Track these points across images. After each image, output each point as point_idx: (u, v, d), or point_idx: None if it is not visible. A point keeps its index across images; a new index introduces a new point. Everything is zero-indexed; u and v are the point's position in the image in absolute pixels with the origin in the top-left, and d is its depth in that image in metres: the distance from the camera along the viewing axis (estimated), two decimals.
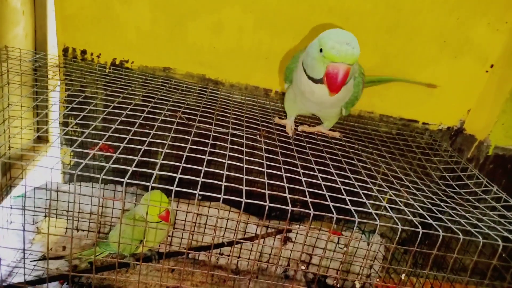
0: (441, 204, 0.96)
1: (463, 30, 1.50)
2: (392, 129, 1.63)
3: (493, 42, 1.52)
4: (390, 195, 0.96)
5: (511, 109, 1.48)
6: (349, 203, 0.82)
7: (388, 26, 1.49)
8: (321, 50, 0.96)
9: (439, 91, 1.61)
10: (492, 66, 1.56)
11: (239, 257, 1.63)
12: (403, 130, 1.63)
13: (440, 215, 0.88)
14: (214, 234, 0.95)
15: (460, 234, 0.80)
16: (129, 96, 1.25)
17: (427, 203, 0.95)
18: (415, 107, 1.66)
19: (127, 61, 1.56)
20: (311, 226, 1.65)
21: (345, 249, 1.65)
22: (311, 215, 0.74)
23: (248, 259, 1.63)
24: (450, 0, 1.45)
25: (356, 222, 0.76)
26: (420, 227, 0.79)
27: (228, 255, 1.58)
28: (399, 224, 0.79)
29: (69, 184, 1.69)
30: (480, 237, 0.79)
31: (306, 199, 0.79)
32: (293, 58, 1.20)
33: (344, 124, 1.51)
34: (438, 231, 0.79)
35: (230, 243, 1.41)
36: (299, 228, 1.59)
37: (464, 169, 1.29)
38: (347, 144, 1.26)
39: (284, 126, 1.30)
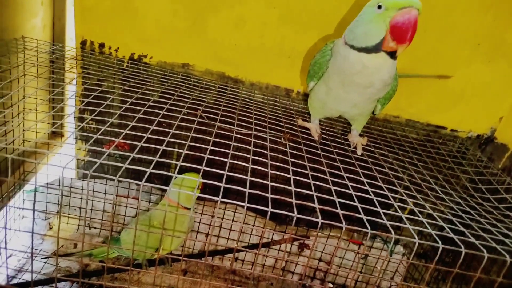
0: (480, 219, 0.89)
1: (499, 32, 1.42)
2: (420, 135, 1.55)
3: None
4: (411, 206, 0.88)
5: None
6: (383, 216, 0.75)
7: (420, 24, 1.40)
8: (379, 7, 0.88)
9: (470, 97, 1.52)
10: None
11: (253, 262, 1.57)
12: (431, 137, 1.55)
13: (473, 231, 0.80)
14: (236, 245, 0.89)
15: (485, 251, 0.72)
16: (147, 92, 1.20)
17: (455, 215, 0.88)
18: (443, 113, 1.57)
19: (145, 56, 1.52)
20: (330, 234, 1.58)
21: (364, 259, 1.58)
22: (343, 229, 0.67)
23: (263, 265, 1.57)
24: (486, 1, 1.36)
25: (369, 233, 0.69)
26: (440, 241, 0.71)
27: (243, 260, 1.53)
28: (416, 237, 0.72)
29: (83, 180, 1.66)
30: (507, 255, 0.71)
31: (337, 210, 0.73)
32: (322, 51, 1.10)
33: (371, 129, 1.43)
34: (460, 246, 0.71)
35: (250, 247, 1.35)
36: (317, 236, 1.52)
37: (499, 181, 1.20)
38: (376, 150, 1.19)
39: (308, 129, 1.23)
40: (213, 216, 1.53)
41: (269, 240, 1.51)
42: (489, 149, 1.60)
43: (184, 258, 0.75)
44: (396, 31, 0.87)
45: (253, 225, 1.55)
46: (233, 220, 1.53)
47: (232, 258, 0.88)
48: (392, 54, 0.93)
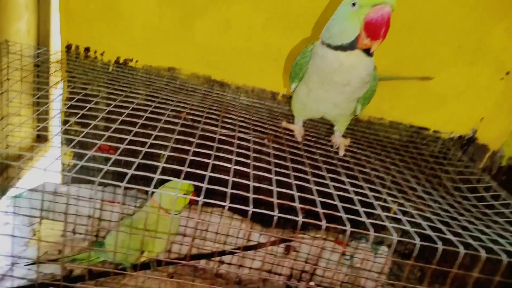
0: (458, 217, 0.91)
1: (480, 35, 1.45)
2: (403, 136, 1.57)
3: (510, 48, 1.46)
4: (396, 207, 0.90)
5: None
6: (362, 214, 0.76)
7: (402, 26, 1.43)
8: (353, 5, 0.89)
9: (452, 98, 1.56)
10: (507, 73, 1.50)
11: (240, 265, 1.57)
12: (414, 138, 1.57)
13: (455, 230, 0.82)
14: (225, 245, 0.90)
15: (462, 247, 0.73)
16: (131, 95, 1.20)
17: (437, 215, 0.89)
18: (426, 114, 1.60)
19: (131, 60, 1.52)
20: (316, 236, 1.60)
21: (350, 260, 1.60)
22: (322, 227, 0.69)
23: (250, 268, 1.57)
24: (468, 3, 1.39)
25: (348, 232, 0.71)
26: (418, 239, 0.73)
27: (229, 263, 1.53)
28: (395, 234, 0.73)
29: (68, 185, 1.64)
30: (504, 255, 0.74)
31: (317, 209, 0.74)
32: (303, 53, 1.11)
33: (355, 130, 1.45)
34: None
35: (233, 252, 1.36)
36: (303, 238, 1.53)
37: (479, 180, 1.23)
38: (359, 151, 1.21)
39: (292, 131, 1.24)
40: (199, 219, 1.53)
41: (256, 243, 1.51)
42: (471, 150, 1.63)
43: (167, 259, 0.75)
44: (369, 28, 0.88)
45: (239, 229, 1.55)
46: (219, 223, 1.54)
47: (215, 261, 0.88)
48: (368, 51, 0.94)
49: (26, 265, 1.36)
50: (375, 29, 0.87)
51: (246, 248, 1.48)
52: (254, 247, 1.46)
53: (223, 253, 1.41)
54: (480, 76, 1.52)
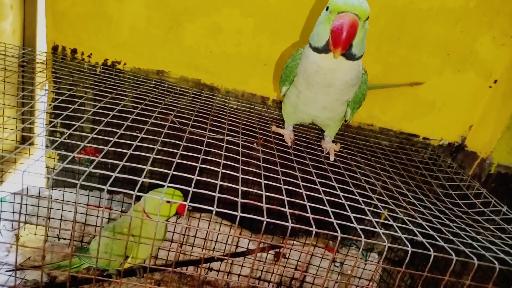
0: (449, 224, 0.90)
1: (467, 43, 1.46)
2: (392, 142, 1.57)
3: (498, 57, 1.47)
4: (386, 213, 0.88)
5: None
6: (353, 219, 0.75)
7: (391, 34, 1.44)
8: (327, 9, 0.90)
9: (441, 105, 1.56)
10: (495, 81, 1.51)
11: (229, 272, 1.55)
12: (404, 144, 1.57)
13: (450, 236, 0.81)
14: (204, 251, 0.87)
15: (453, 254, 0.72)
16: (118, 97, 1.17)
17: (428, 221, 0.88)
18: (415, 121, 1.61)
19: (119, 62, 1.49)
20: (306, 242, 1.58)
21: (339, 267, 1.58)
22: (313, 232, 0.67)
23: (239, 275, 1.55)
24: (455, 12, 1.41)
25: (339, 238, 0.69)
26: (409, 245, 0.71)
27: (218, 270, 1.50)
28: (386, 241, 0.72)
29: (52, 189, 1.60)
30: (496, 262, 0.73)
31: (307, 214, 0.72)
32: (293, 56, 1.11)
33: (345, 136, 1.45)
34: (430, 250, 0.71)
35: (221, 259, 1.33)
36: (293, 244, 1.51)
37: (469, 187, 1.23)
38: (348, 156, 1.20)
39: (282, 135, 1.23)
40: (187, 225, 1.51)
41: (245, 250, 1.49)
42: (460, 157, 1.63)
43: (152, 266, 0.72)
44: (332, 35, 0.88)
45: (228, 234, 1.53)
46: (208, 229, 1.51)
47: (201, 267, 0.85)
48: (349, 56, 0.94)
49: (7, 271, 1.31)
50: (335, 37, 0.87)
51: (235, 255, 1.45)
52: (243, 253, 1.44)
53: (211, 259, 1.38)
54: (469, 84, 1.53)
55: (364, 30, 0.92)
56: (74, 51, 1.47)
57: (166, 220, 1.14)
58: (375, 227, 0.78)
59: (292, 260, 1.56)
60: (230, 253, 1.45)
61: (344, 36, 0.85)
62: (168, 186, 0.73)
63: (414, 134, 1.62)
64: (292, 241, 1.52)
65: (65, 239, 1.57)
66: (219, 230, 1.50)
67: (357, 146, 1.36)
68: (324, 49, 0.94)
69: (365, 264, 1.53)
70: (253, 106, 1.49)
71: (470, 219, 0.97)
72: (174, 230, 1.50)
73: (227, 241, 1.56)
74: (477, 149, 1.57)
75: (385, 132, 1.61)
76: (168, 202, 1.09)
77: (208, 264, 1.50)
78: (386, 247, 0.68)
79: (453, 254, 0.71)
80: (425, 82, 1.51)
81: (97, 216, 1.52)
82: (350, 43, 0.88)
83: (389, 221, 0.82)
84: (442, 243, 0.74)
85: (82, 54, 1.47)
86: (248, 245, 1.53)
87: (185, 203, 0.67)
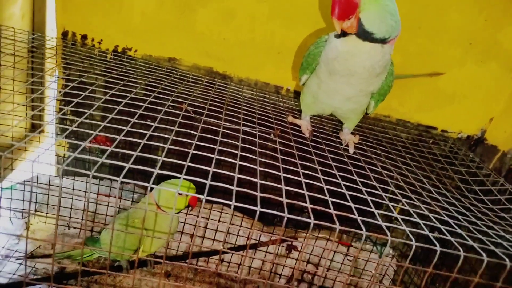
0: (475, 221, 0.85)
1: (491, 33, 1.40)
2: (411, 134, 1.52)
3: None
4: (411, 209, 0.84)
5: None
6: (378, 217, 0.71)
7: (412, 23, 1.38)
8: None
9: (461, 97, 1.51)
10: None
11: (240, 264, 1.52)
12: (423, 136, 1.52)
13: (462, 232, 0.76)
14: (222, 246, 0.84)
15: (485, 255, 0.68)
16: (130, 84, 1.14)
17: (445, 216, 0.84)
18: (434, 113, 1.55)
19: (130, 49, 1.46)
20: (319, 235, 1.55)
21: (354, 261, 1.55)
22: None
23: (250, 267, 1.52)
24: (480, 0, 1.34)
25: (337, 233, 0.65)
26: (438, 244, 0.67)
27: (229, 262, 1.48)
28: (413, 239, 0.68)
29: (61, 177, 1.58)
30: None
31: (330, 211, 0.68)
32: (316, 43, 1.06)
33: (362, 127, 1.40)
34: (459, 249, 0.67)
35: (236, 249, 1.31)
36: (306, 237, 1.48)
37: (493, 183, 1.18)
38: (368, 148, 1.15)
39: (299, 126, 1.18)
40: (198, 216, 1.48)
41: (256, 242, 1.46)
42: (479, 150, 1.58)
43: (166, 261, 0.69)
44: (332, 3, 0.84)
45: (240, 226, 1.50)
46: (219, 221, 1.48)
47: (218, 261, 0.83)
48: (364, 35, 0.87)
49: (17, 259, 1.30)
50: (332, 4, 0.83)
51: (250, 247, 1.42)
52: (255, 246, 1.41)
53: (223, 251, 1.35)
54: (491, 75, 1.47)
55: (381, 5, 0.85)
56: (84, 37, 1.43)
57: (178, 213, 1.12)
58: (395, 223, 0.75)
59: (305, 254, 1.54)
60: (245, 245, 1.43)
61: (337, 2, 0.81)
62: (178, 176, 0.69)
63: (432, 126, 1.57)
64: (308, 234, 1.49)
65: (75, 228, 1.56)
66: (230, 222, 1.47)
67: (376, 138, 1.31)
68: (342, 32, 0.88)
69: (380, 258, 1.50)
70: (267, 96, 1.45)
71: (496, 216, 0.93)
72: (185, 221, 1.48)
73: (238, 233, 1.54)
74: (498, 142, 1.52)
75: (402, 124, 1.56)
76: (180, 194, 1.06)
77: (220, 256, 1.48)
78: (414, 247, 0.64)
79: (484, 254, 0.67)
80: (445, 73, 1.45)
81: (108, 206, 1.50)
82: (345, 11, 0.82)
83: (410, 216, 0.78)
84: (471, 242, 0.70)
85: (93, 40, 1.44)
86: (259, 237, 1.50)
87: (201, 196, 0.64)
